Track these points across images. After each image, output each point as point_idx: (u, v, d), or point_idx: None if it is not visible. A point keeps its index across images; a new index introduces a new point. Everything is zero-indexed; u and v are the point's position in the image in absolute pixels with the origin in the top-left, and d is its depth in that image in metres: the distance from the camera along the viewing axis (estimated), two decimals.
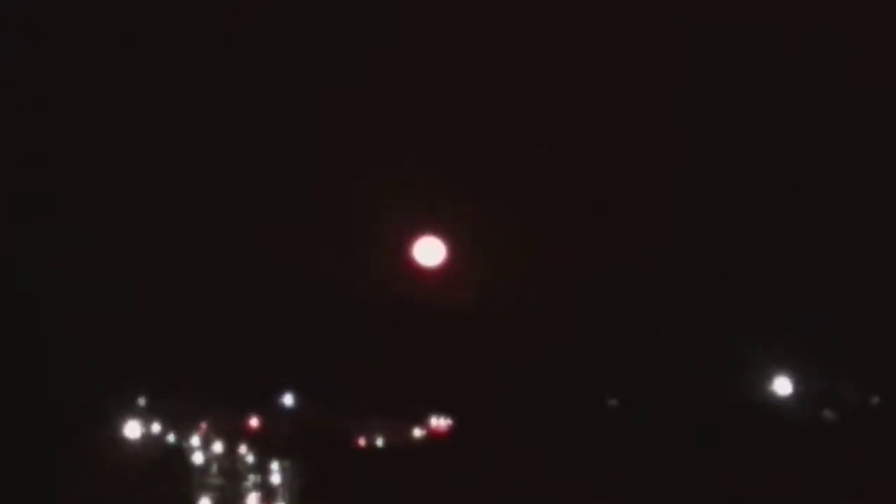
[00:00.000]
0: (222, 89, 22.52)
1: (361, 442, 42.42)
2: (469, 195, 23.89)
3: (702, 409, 29.16)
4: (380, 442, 42.59)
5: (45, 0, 20.68)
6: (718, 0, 20.80)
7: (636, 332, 28.99)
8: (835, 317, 27.19)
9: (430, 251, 22.02)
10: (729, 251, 25.63)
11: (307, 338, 32.46)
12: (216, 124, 23.04)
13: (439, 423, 40.64)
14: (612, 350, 30.02)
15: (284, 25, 21.24)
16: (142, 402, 38.24)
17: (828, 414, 31.32)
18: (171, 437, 42.48)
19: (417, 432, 41.73)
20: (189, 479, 42.81)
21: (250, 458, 46.25)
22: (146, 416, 38.51)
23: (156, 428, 40.19)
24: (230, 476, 46.29)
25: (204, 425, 44.91)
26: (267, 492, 45.89)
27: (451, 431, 39.85)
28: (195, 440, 45.13)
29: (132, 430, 35.01)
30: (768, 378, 29.75)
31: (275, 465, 45.52)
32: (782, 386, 29.85)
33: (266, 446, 44.43)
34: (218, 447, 45.93)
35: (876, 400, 31.25)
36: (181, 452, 43.40)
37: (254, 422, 42.61)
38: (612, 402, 33.44)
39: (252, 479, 46.54)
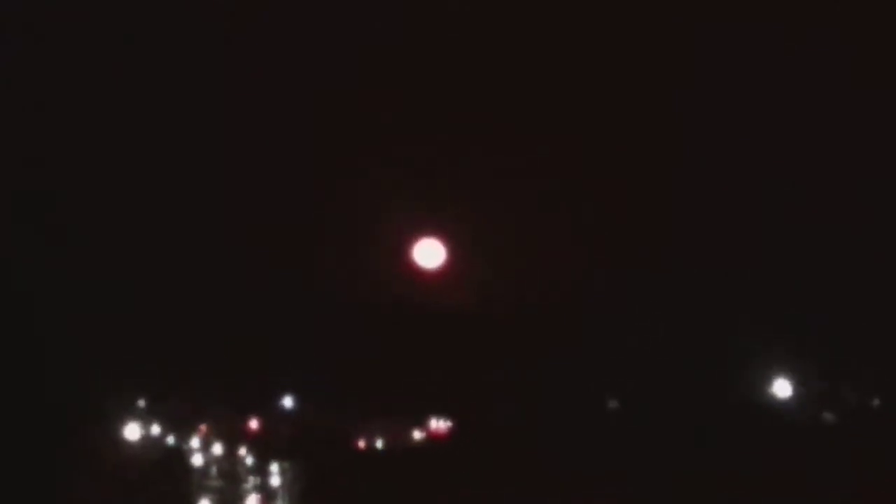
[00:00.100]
0: (222, 89, 22.50)
1: (361, 444, 42.45)
2: (469, 195, 23.88)
3: (702, 409, 29.16)
4: (379, 444, 42.62)
5: (45, 0, 20.65)
6: (718, 0, 20.78)
7: (636, 332, 28.99)
8: (835, 317, 27.20)
9: (430, 253, 21.99)
10: (729, 251, 25.63)
11: (307, 338, 32.48)
12: (216, 124, 23.04)
13: (439, 424, 40.68)
14: (612, 350, 30.03)
15: (284, 25, 21.23)
16: (142, 403, 38.27)
17: (828, 415, 31.31)
18: (170, 439, 42.53)
19: (417, 434, 41.77)
20: (189, 480, 42.82)
21: (250, 460, 46.29)
22: (146, 418, 38.55)
23: (155, 430, 40.24)
24: (230, 478, 46.33)
25: (204, 427, 44.94)
26: (267, 494, 45.91)
27: (451, 433, 39.87)
28: (195, 442, 45.16)
29: (132, 431, 35.02)
30: (768, 378, 29.76)
31: (274, 468, 45.55)
32: (782, 387, 29.86)
33: (266, 448, 44.46)
34: (218, 449, 45.96)
35: (876, 401, 31.23)
36: (181, 454, 43.43)
37: (254, 424, 42.65)
38: (613, 402, 33.45)
39: (252, 481, 46.57)
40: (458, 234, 22.65)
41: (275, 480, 45.78)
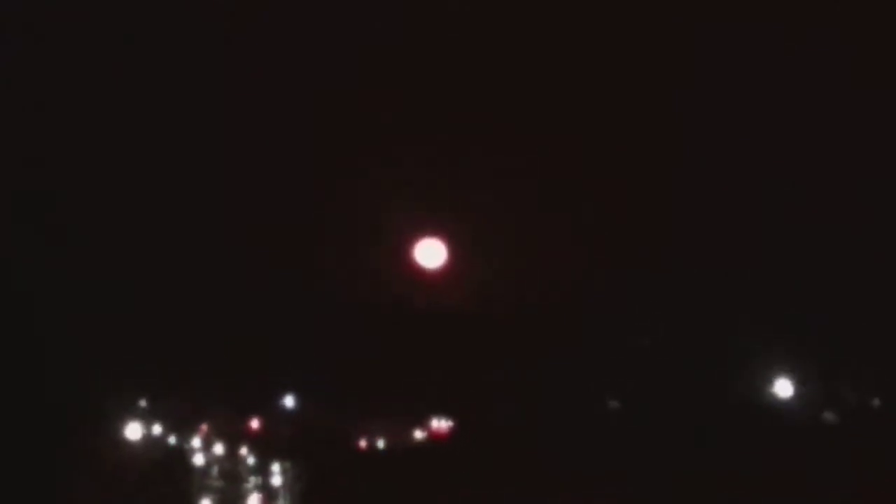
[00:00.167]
0: (222, 89, 22.50)
1: (362, 443, 42.46)
2: (469, 195, 23.89)
3: (702, 409, 29.14)
4: (381, 443, 42.63)
5: (45, 0, 20.65)
6: (718, 0, 20.78)
7: (636, 332, 29.01)
8: (835, 317, 27.19)
9: (430, 253, 21.98)
10: (729, 251, 25.62)
11: (307, 338, 32.49)
12: (216, 124, 23.04)
13: (440, 424, 40.67)
14: (612, 350, 30.04)
15: (284, 25, 21.22)
16: (143, 403, 38.27)
17: (828, 415, 31.29)
18: (172, 439, 42.55)
19: (418, 434, 41.77)
20: (190, 480, 42.88)
21: (251, 460, 46.35)
22: (147, 418, 38.53)
23: (157, 429, 40.22)
24: (231, 478, 46.40)
25: (205, 427, 44.98)
26: (268, 493, 45.97)
27: (452, 433, 39.88)
28: (196, 442, 45.22)
29: (133, 431, 35.00)
30: (768, 378, 29.72)
31: (276, 467, 45.61)
32: (782, 387, 29.83)
33: (267, 448, 44.51)
34: (219, 449, 46.02)
35: (876, 401, 31.20)
36: (182, 454, 43.48)
37: (255, 424, 42.67)
38: (613, 402, 33.44)
39: (253, 480, 46.64)
40: (458, 234, 22.63)
41: (276, 480, 45.84)
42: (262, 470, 46.25)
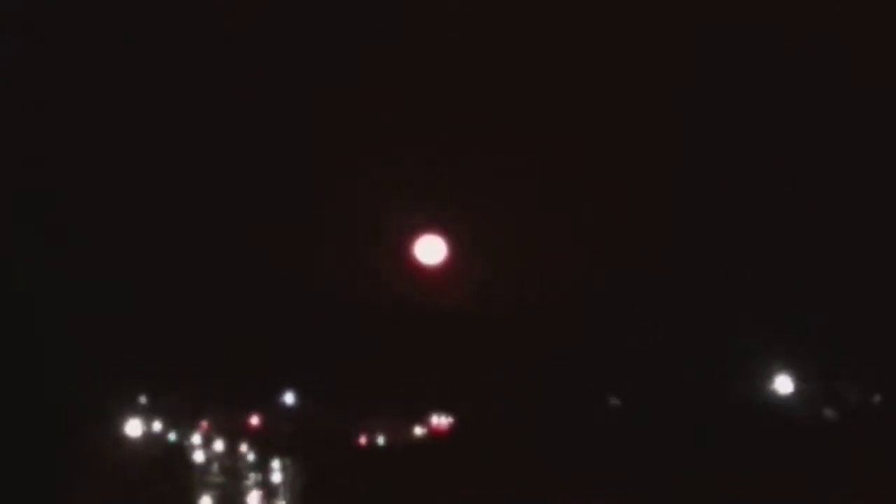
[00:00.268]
0: (222, 89, 22.48)
1: (362, 440, 42.46)
2: (469, 195, 23.88)
3: (702, 408, 29.16)
4: (381, 440, 42.63)
5: (45, 0, 20.64)
6: (718, 0, 20.75)
7: (636, 332, 28.99)
8: (835, 317, 27.18)
9: (431, 249, 22.01)
10: (729, 251, 25.61)
11: (307, 337, 32.49)
12: (216, 124, 23.02)
13: (440, 421, 40.68)
14: (612, 350, 30.03)
15: (284, 25, 21.20)
16: (143, 400, 38.27)
17: (828, 413, 31.29)
18: (172, 436, 42.54)
19: (418, 430, 41.77)
20: (190, 477, 42.90)
21: (251, 457, 46.33)
22: (147, 415, 38.54)
23: (157, 426, 40.23)
24: (231, 474, 46.38)
25: (205, 423, 44.98)
26: (268, 490, 45.97)
27: (452, 430, 39.89)
28: (196, 438, 45.22)
29: (133, 428, 35.04)
30: (768, 378, 29.74)
31: (276, 464, 45.60)
32: (783, 385, 29.84)
33: (267, 445, 44.50)
34: (219, 445, 46.01)
35: (878, 398, 31.20)
36: (182, 451, 43.49)
37: (255, 420, 42.67)
38: (614, 401, 33.46)
39: (253, 477, 46.62)
40: (458, 234, 22.66)
41: (276, 477, 45.84)
42: (263, 466, 46.24)
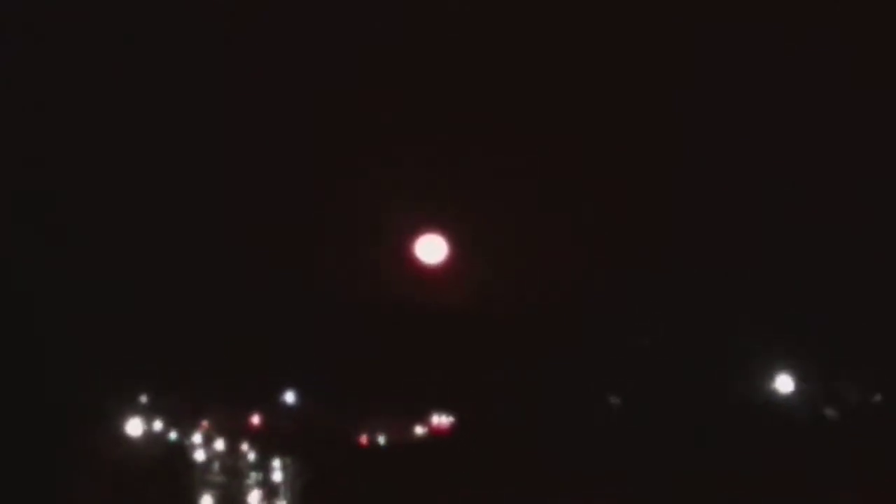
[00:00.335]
0: (222, 89, 22.48)
1: (363, 439, 42.46)
2: (469, 195, 23.88)
3: (702, 408, 29.15)
4: (381, 440, 42.64)
5: (45, 0, 20.64)
6: (718, 0, 20.74)
7: (636, 332, 29.01)
8: (835, 317, 27.18)
9: (431, 249, 22.01)
10: (729, 251, 25.61)
11: (308, 337, 32.50)
12: (216, 124, 23.02)
13: (441, 420, 40.69)
14: (612, 350, 30.04)
15: (284, 25, 21.19)
16: (143, 399, 38.28)
17: (829, 412, 31.28)
18: (172, 435, 42.56)
19: (419, 430, 41.78)
20: (191, 476, 42.91)
21: (252, 456, 46.36)
22: (148, 414, 38.55)
23: (158, 425, 40.24)
24: (232, 474, 46.42)
25: (206, 423, 44.99)
26: (269, 489, 46.00)
27: (453, 429, 39.90)
28: (197, 438, 45.24)
29: (134, 427, 35.03)
30: (768, 378, 29.73)
31: (276, 463, 45.62)
32: (783, 385, 29.83)
33: (268, 444, 44.52)
34: (220, 445, 46.04)
35: (878, 398, 31.18)
36: (183, 450, 43.51)
37: (255, 419, 42.67)
38: (613, 402, 33.44)
39: (254, 476, 46.66)
40: (458, 234, 22.64)
41: (277, 476, 45.86)
42: (263, 466, 46.27)
